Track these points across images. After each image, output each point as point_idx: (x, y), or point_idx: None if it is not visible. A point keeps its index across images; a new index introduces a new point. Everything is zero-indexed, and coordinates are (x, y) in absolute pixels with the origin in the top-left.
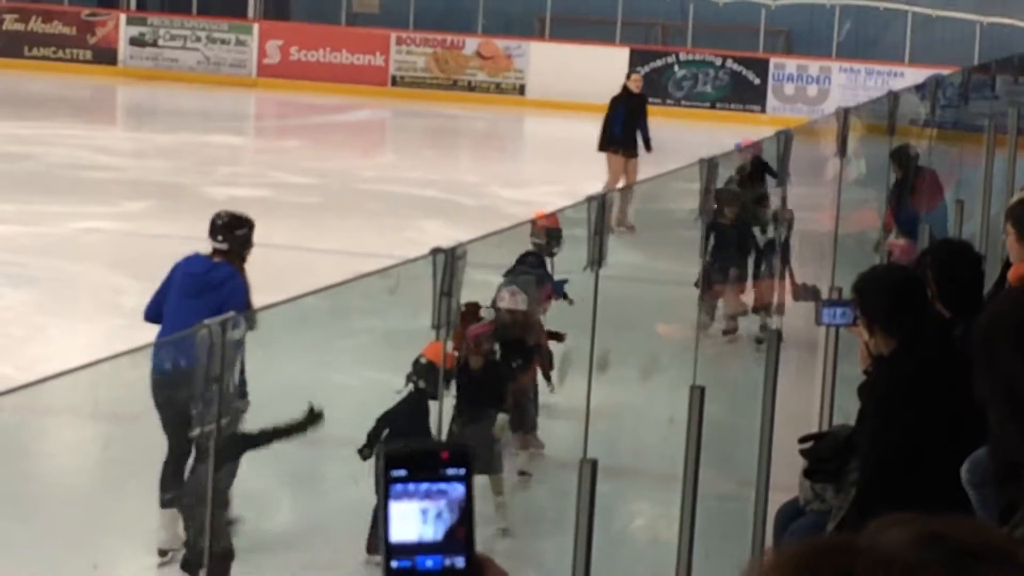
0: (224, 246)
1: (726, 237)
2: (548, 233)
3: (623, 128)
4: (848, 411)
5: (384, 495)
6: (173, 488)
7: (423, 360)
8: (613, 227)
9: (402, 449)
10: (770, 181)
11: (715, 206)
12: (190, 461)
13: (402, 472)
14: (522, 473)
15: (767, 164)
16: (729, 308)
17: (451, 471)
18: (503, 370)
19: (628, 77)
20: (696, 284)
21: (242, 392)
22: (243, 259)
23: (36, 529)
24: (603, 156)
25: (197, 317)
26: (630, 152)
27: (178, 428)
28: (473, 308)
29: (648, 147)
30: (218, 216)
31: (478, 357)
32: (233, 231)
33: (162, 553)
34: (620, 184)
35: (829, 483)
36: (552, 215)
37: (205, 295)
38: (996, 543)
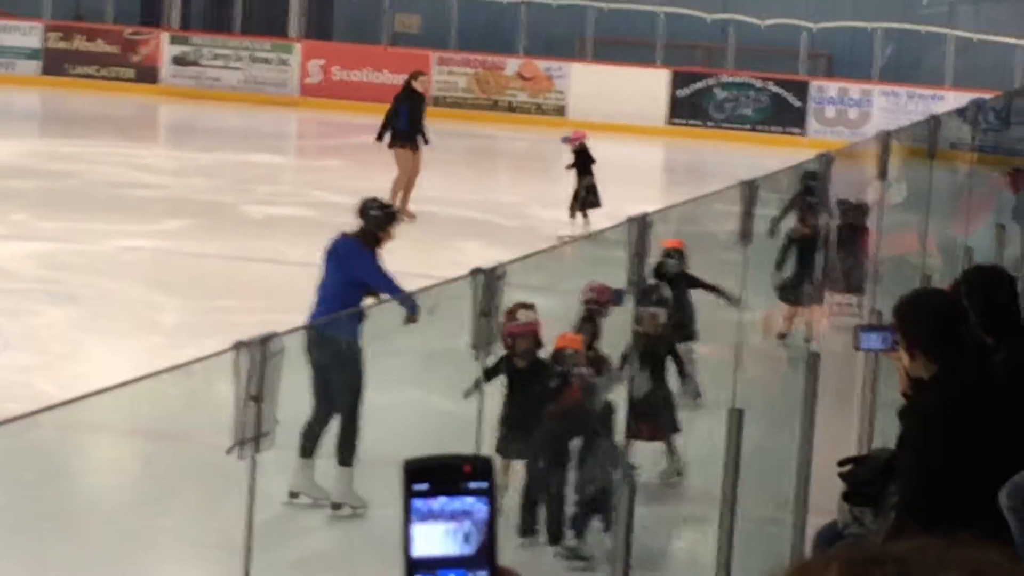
0: (359, 223)
1: (808, 248)
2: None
3: (409, 124)
4: (887, 434)
5: (405, 508)
6: (310, 441)
7: (569, 351)
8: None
9: (423, 461)
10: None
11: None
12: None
13: (424, 486)
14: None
15: (590, 155)
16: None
17: (474, 485)
18: (549, 371)
19: (415, 77)
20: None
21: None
22: (378, 240)
23: (76, 546)
24: (398, 153)
25: (333, 287)
26: (415, 146)
27: (322, 394)
28: (512, 309)
29: (427, 141)
30: (363, 200)
31: (519, 358)
32: (366, 211)
33: (292, 495)
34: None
35: (868, 507)
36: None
37: (338, 268)
38: None
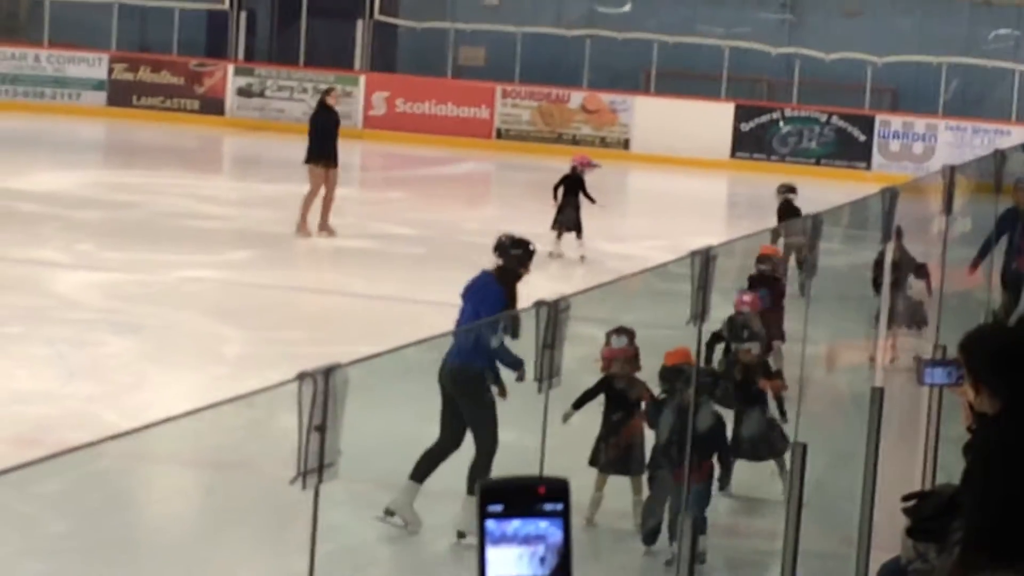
0: (500, 262)
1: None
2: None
3: (323, 141)
4: (951, 470)
5: (480, 530)
6: (427, 468)
7: (685, 366)
8: (312, 233)
9: (499, 483)
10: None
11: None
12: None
13: (498, 507)
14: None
15: (580, 182)
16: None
17: (548, 507)
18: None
19: (327, 93)
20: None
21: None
22: (518, 276)
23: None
24: (310, 169)
25: (465, 320)
26: (330, 163)
27: (450, 425)
28: (613, 331)
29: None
30: (501, 236)
31: (617, 379)
32: (509, 250)
33: (388, 512)
34: (322, 193)
35: (932, 543)
36: (771, 246)
37: (468, 301)
38: None
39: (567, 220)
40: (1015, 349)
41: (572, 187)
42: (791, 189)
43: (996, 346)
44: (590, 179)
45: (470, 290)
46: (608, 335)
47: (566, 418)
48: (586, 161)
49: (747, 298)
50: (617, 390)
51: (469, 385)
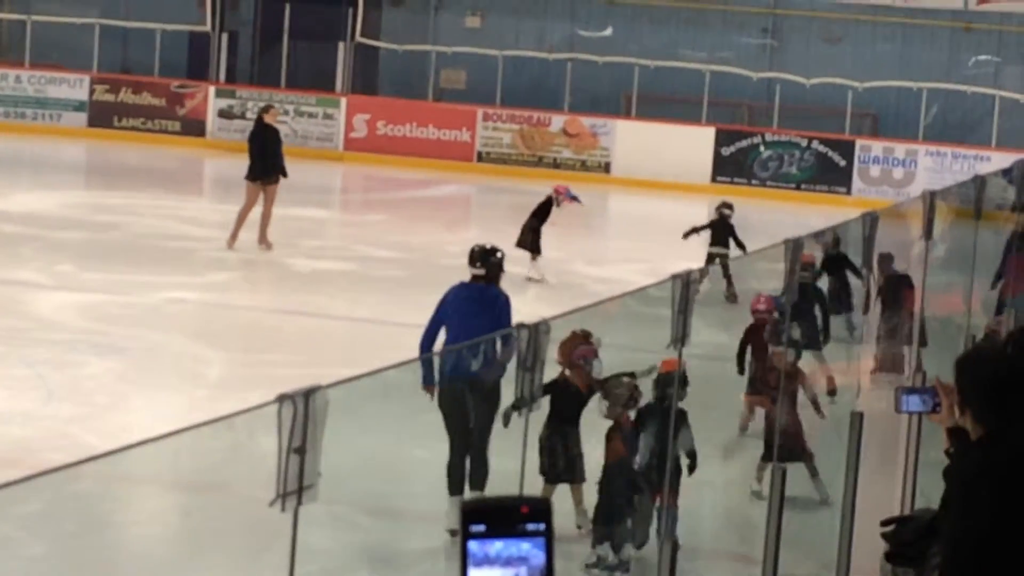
0: (482, 271)
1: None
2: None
3: (261, 158)
4: (930, 495)
5: (462, 551)
6: (457, 478)
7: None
8: (238, 246)
9: (481, 503)
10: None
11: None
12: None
13: (480, 527)
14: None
15: (548, 208)
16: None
17: (531, 526)
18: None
19: (266, 111)
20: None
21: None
22: (498, 282)
23: None
24: (247, 185)
25: (483, 331)
26: (268, 180)
27: (460, 428)
28: (583, 333)
29: (284, 174)
30: (475, 248)
31: (577, 374)
32: (489, 258)
33: (452, 533)
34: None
35: (911, 568)
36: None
37: (484, 313)
38: None
39: (521, 238)
40: (1007, 378)
41: (539, 210)
42: (729, 206)
43: (988, 373)
44: (569, 204)
45: (487, 305)
46: (586, 334)
47: (507, 421)
48: (563, 190)
49: (763, 299)
50: (571, 393)
51: (495, 397)
